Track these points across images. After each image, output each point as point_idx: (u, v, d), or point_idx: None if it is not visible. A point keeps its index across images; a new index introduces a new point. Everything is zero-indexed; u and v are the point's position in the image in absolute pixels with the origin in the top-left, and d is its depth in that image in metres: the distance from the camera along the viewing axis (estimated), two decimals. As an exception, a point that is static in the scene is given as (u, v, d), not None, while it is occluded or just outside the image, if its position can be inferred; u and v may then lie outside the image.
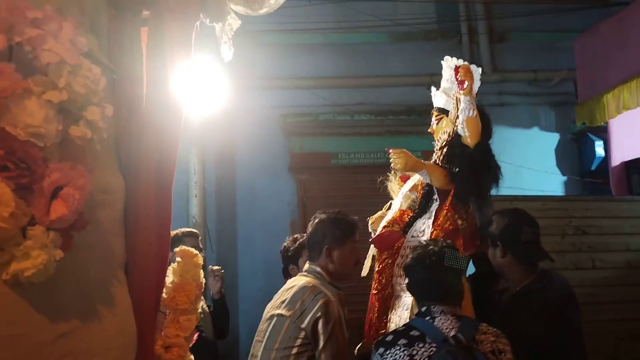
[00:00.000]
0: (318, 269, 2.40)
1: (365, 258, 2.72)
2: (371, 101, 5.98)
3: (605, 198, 4.65)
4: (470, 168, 2.47)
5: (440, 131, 2.67)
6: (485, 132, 2.53)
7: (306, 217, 5.78)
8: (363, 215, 2.84)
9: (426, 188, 2.65)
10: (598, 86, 5.37)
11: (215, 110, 4.28)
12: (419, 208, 2.66)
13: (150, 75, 1.39)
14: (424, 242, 2.14)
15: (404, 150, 2.55)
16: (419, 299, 2.02)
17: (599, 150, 5.82)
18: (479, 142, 2.49)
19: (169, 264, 1.43)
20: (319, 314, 2.19)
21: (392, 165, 2.58)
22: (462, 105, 2.49)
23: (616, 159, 5.40)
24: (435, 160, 2.65)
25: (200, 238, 3.44)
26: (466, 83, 2.46)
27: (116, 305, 1.04)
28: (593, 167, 5.92)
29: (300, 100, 5.84)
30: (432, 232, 2.47)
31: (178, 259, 1.43)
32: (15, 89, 0.67)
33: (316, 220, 2.48)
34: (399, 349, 1.78)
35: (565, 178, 6.06)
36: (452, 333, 1.78)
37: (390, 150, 2.57)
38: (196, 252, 1.45)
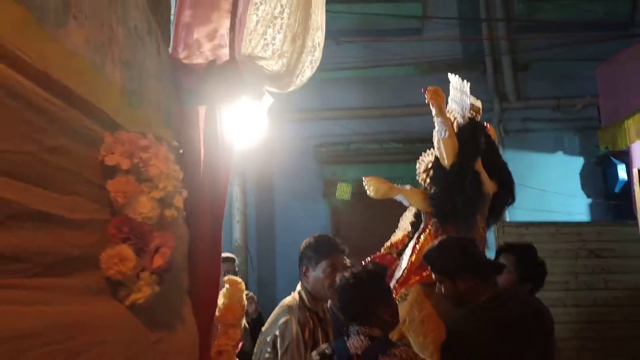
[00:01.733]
0: (299, 288, 2.50)
1: None
2: (399, 130, 6.35)
3: (617, 223, 4.87)
4: (444, 189, 2.48)
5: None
6: (465, 152, 2.50)
7: (339, 239, 6.20)
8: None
9: (416, 211, 2.71)
10: (619, 112, 5.60)
11: (255, 142, 4.75)
12: (412, 230, 2.72)
13: (207, 143, 1.86)
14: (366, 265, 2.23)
15: (378, 178, 2.65)
16: (344, 318, 2.15)
17: (622, 173, 6.01)
18: (453, 163, 2.48)
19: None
20: (277, 332, 2.34)
21: (367, 193, 2.67)
22: (435, 127, 2.53)
23: (638, 182, 5.60)
24: (422, 184, 2.68)
25: (236, 262, 3.88)
26: (434, 105, 2.50)
27: (186, 321, 1.48)
28: (617, 190, 6.10)
29: (332, 130, 6.28)
30: (411, 255, 2.52)
31: (227, 285, 1.88)
32: (134, 191, 1.13)
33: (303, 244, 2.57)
34: None
35: (590, 201, 6.26)
36: (359, 352, 1.90)
37: (364, 179, 2.67)
38: (240, 280, 1.89)
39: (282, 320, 2.37)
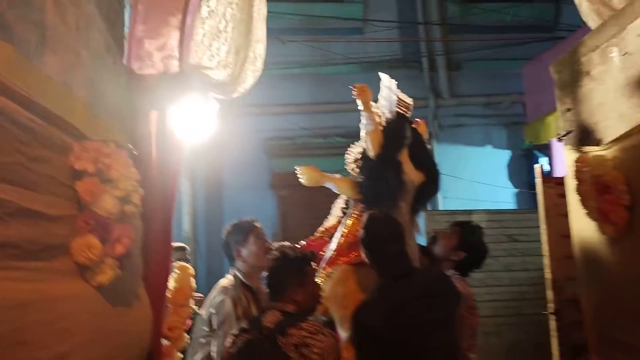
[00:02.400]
0: (234, 271, 2.74)
1: None
2: (343, 125, 6.67)
3: (533, 210, 5.38)
4: (370, 178, 2.64)
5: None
6: (390, 144, 2.67)
7: (286, 228, 6.50)
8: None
9: (347, 198, 2.87)
10: (542, 109, 6.10)
11: (204, 138, 4.96)
12: (343, 216, 2.86)
13: (158, 145, 2.09)
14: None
15: (310, 166, 2.80)
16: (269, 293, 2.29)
17: (544, 165, 6.57)
18: (378, 154, 2.64)
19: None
20: (213, 310, 2.55)
21: (301, 181, 2.82)
22: (363, 122, 2.69)
23: (557, 174, 6.14)
24: (352, 173, 2.87)
25: (188, 250, 4.11)
26: (360, 101, 2.65)
27: (141, 299, 1.73)
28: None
29: (280, 125, 6.56)
30: (339, 239, 2.69)
31: (177, 270, 2.13)
32: (99, 191, 1.37)
33: (224, 233, 2.82)
34: (232, 336, 2.16)
35: (516, 190, 6.80)
36: (270, 326, 2.05)
37: (297, 168, 2.81)
38: (189, 266, 2.15)
39: (218, 299, 2.59)
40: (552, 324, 3.25)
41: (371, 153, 2.67)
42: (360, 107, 2.68)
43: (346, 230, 2.68)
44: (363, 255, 2.40)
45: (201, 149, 5.67)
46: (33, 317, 1.08)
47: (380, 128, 2.74)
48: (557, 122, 5.78)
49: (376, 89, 7.20)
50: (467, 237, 2.88)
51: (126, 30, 2.15)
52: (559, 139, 2.75)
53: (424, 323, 2.18)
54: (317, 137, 6.64)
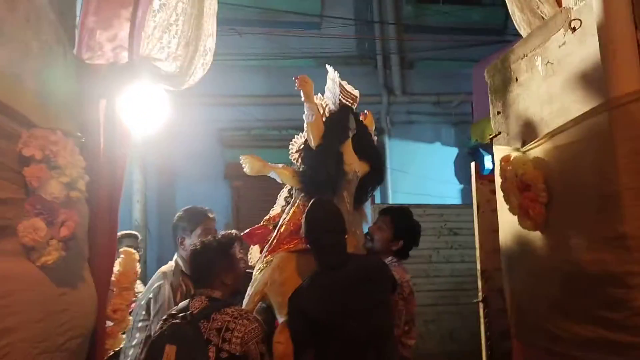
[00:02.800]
0: (176, 257, 2.74)
1: None
2: (297, 117, 6.76)
3: (471, 205, 5.66)
4: (311, 168, 2.67)
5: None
6: (331, 135, 2.71)
7: (240, 219, 6.58)
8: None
9: (290, 187, 2.90)
10: (488, 110, 6.37)
11: (157, 124, 4.98)
12: (287, 205, 2.88)
13: (106, 133, 2.16)
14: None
15: (253, 155, 2.86)
16: (192, 281, 2.38)
17: (488, 163, 6.86)
18: (318, 145, 2.69)
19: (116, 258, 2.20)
20: (151, 295, 2.58)
21: (244, 170, 2.86)
22: (305, 112, 2.76)
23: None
24: (295, 163, 2.90)
25: (140, 238, 4.15)
26: (302, 92, 2.74)
27: (86, 281, 1.81)
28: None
29: (235, 115, 6.61)
30: (281, 226, 2.70)
31: (122, 255, 2.21)
32: (46, 177, 1.45)
33: (175, 216, 2.80)
34: (160, 322, 2.19)
35: (462, 186, 7.08)
36: (195, 311, 2.10)
37: (241, 157, 2.87)
38: (134, 251, 2.23)
39: (156, 284, 2.62)
40: (481, 311, 3.48)
41: (312, 143, 2.72)
42: (302, 98, 2.74)
43: (288, 218, 2.72)
44: (305, 241, 2.46)
45: (154, 138, 5.66)
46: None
47: (322, 119, 2.80)
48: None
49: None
50: (399, 222, 2.95)
51: (77, 20, 2.20)
52: (490, 140, 2.96)
53: (357, 309, 2.24)
54: (272, 129, 6.73)
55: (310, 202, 2.51)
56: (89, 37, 2.20)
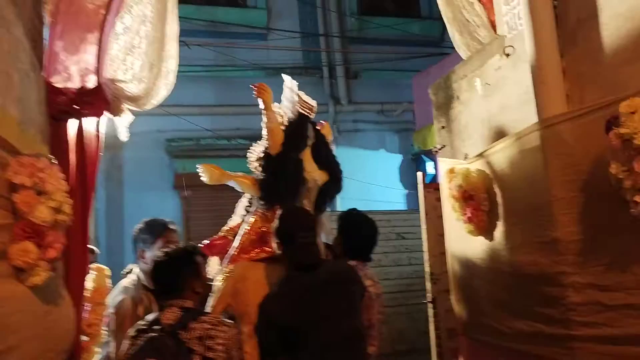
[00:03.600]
0: (137, 270, 2.68)
1: None
2: (246, 127, 6.89)
3: (417, 210, 5.98)
4: (270, 175, 2.66)
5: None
6: (290, 143, 2.71)
7: (189, 229, 6.61)
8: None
9: (250, 197, 2.86)
10: (429, 118, 6.68)
11: (104, 134, 4.98)
12: (247, 214, 2.83)
13: (77, 153, 2.23)
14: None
15: (211, 165, 2.80)
16: (157, 294, 2.29)
17: (430, 169, 7.23)
18: (278, 152, 2.68)
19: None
20: (112, 310, 2.50)
21: (202, 179, 2.76)
22: (263, 120, 2.72)
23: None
24: (255, 171, 2.83)
25: (97, 253, 4.12)
26: (261, 100, 2.70)
27: (64, 298, 1.88)
28: (427, 183, 7.29)
29: (183, 125, 6.63)
30: (243, 235, 2.67)
31: (94, 272, 2.28)
32: (35, 202, 1.53)
33: (135, 229, 2.73)
34: (130, 338, 2.11)
35: (406, 192, 7.40)
36: (171, 322, 2.05)
37: (199, 167, 2.79)
38: (105, 267, 2.31)
39: (118, 299, 2.57)
40: (430, 311, 3.73)
41: (272, 151, 2.71)
42: (261, 106, 2.73)
43: (248, 228, 2.70)
44: (275, 246, 2.44)
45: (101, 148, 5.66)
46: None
47: (282, 127, 2.81)
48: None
49: (279, 93, 7.45)
50: (351, 229, 3.08)
51: (45, 44, 2.26)
52: (435, 152, 3.20)
53: (329, 314, 2.25)
54: (221, 139, 6.80)
55: (285, 207, 2.54)
56: (56, 61, 2.26)
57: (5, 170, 1.50)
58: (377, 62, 7.26)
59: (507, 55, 2.50)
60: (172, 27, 2.70)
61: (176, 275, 2.20)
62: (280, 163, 2.68)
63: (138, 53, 2.55)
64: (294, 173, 2.69)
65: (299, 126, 2.82)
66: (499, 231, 2.48)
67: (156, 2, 2.56)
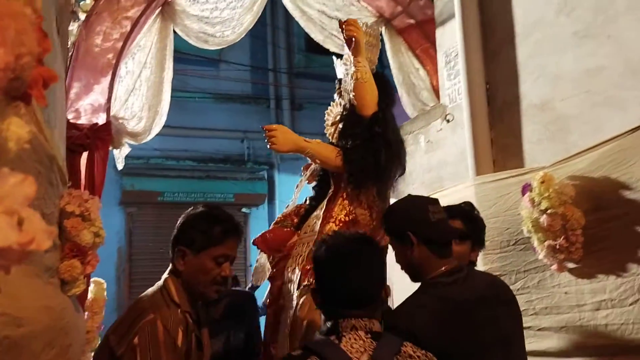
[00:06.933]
0: (166, 275, 1.56)
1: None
2: (194, 149, 7.21)
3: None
4: (365, 143, 1.97)
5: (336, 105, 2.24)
6: (385, 100, 2.06)
7: (132, 243, 6.80)
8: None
9: (321, 173, 2.24)
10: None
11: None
12: (315, 198, 2.21)
13: (88, 181, 2.55)
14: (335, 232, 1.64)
15: (280, 126, 2.04)
16: (325, 309, 1.38)
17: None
18: (375, 112, 2.01)
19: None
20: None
21: (268, 146, 1.97)
22: (352, 69, 2.03)
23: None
24: (329, 139, 2.21)
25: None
26: (354, 40, 2.00)
27: (78, 307, 2.21)
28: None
29: (133, 144, 6.83)
30: (322, 226, 1.94)
31: (92, 285, 2.59)
32: (81, 227, 1.88)
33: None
34: None
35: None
36: (365, 358, 1.22)
37: (265, 127, 1.97)
38: (102, 280, 2.62)
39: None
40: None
41: (364, 111, 2.02)
42: (349, 48, 2.06)
43: (335, 215, 1.99)
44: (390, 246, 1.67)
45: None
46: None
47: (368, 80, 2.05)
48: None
49: (231, 120, 7.70)
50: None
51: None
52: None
53: (496, 340, 1.53)
54: (170, 159, 7.05)
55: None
56: (72, 102, 2.60)
57: (60, 200, 1.85)
58: (319, 97, 7.82)
59: (448, 121, 3.10)
60: (168, 73, 3.09)
61: (365, 281, 1.35)
62: (379, 126, 2.01)
63: (137, 95, 2.92)
64: (398, 139, 2.11)
65: (386, 81, 2.19)
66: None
67: (156, 51, 2.94)
